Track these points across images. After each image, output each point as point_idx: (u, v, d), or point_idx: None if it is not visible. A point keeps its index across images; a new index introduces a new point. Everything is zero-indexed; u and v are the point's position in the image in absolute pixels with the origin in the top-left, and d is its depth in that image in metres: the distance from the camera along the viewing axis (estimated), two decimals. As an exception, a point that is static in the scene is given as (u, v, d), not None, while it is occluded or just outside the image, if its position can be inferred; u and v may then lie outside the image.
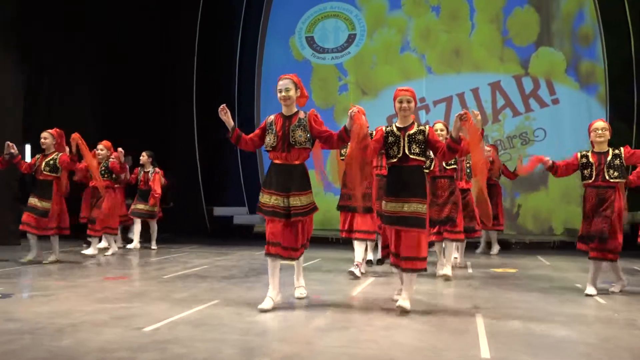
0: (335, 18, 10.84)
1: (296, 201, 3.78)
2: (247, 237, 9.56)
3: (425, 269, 3.77)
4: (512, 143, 9.93)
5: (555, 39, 9.94)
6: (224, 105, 3.94)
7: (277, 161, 3.85)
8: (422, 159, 3.84)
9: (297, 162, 3.82)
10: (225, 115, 3.94)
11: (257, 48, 11.00)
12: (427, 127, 3.86)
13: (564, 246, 8.34)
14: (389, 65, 10.35)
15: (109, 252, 6.89)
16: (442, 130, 5.10)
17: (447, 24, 10.30)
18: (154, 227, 7.73)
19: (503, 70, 10.04)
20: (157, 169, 7.60)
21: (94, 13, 9.33)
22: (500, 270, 5.97)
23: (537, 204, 9.79)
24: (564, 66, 9.83)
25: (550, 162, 4.54)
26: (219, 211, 10.41)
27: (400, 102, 3.88)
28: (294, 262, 4.09)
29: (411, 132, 3.82)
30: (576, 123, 9.63)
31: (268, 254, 3.80)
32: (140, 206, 7.55)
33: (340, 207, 5.47)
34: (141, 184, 7.63)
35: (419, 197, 3.76)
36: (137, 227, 7.64)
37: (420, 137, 3.81)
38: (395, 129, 3.89)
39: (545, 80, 9.87)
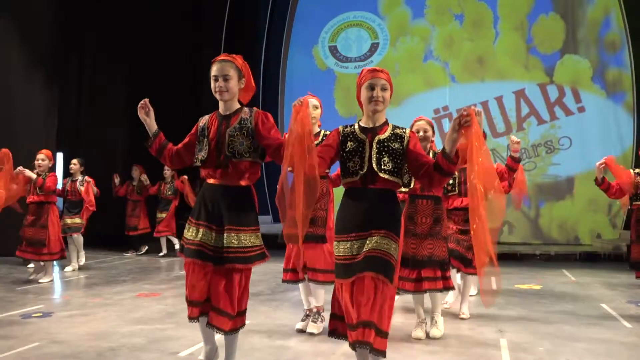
0: (358, 27, 10.91)
1: (232, 240, 2.60)
2: (272, 246, 9.67)
3: (384, 353, 2.40)
4: (537, 151, 9.87)
5: (581, 46, 9.84)
6: (147, 100, 2.83)
7: (210, 181, 2.70)
8: (396, 180, 2.51)
9: (239, 183, 2.67)
10: (147, 114, 2.83)
11: (280, 58, 11.15)
12: (406, 130, 2.56)
13: (589, 258, 8.31)
14: (412, 74, 10.37)
15: (46, 279, 5.97)
16: (425, 131, 3.62)
17: (471, 32, 10.27)
18: (79, 240, 7.02)
19: (528, 78, 9.97)
20: (87, 178, 6.94)
21: (121, 31, 9.63)
22: (525, 286, 5.98)
23: (562, 213, 9.71)
24: (590, 74, 9.72)
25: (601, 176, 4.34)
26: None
27: (371, 88, 2.53)
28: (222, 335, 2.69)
29: (383, 136, 2.52)
30: (603, 131, 9.57)
31: (191, 318, 2.67)
32: (69, 220, 6.88)
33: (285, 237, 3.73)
34: (69, 194, 6.97)
35: (387, 229, 2.44)
36: (73, 245, 7.01)
37: (396, 145, 2.51)
38: (358, 129, 2.57)
39: (571, 88, 9.78)
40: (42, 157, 6.02)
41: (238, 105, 2.77)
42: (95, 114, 9.67)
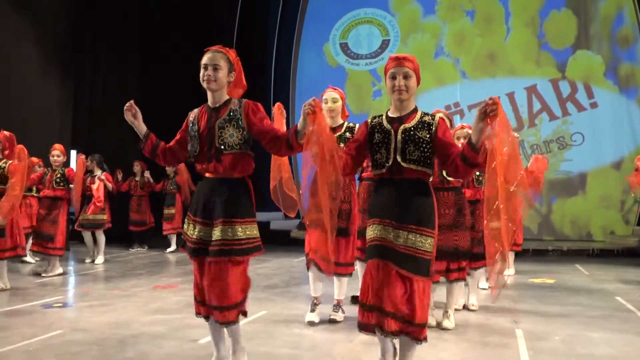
0: (369, 24, 10.95)
1: (227, 232, 2.55)
2: (284, 242, 9.75)
3: (425, 339, 2.48)
4: (549, 147, 9.85)
5: (593, 41, 9.81)
6: (132, 102, 2.75)
7: (206, 175, 2.71)
8: (425, 169, 2.46)
9: (234, 175, 2.64)
10: (134, 116, 2.75)
11: (291, 55, 11.21)
12: (436, 117, 2.49)
13: (603, 254, 8.27)
14: (422, 71, 10.02)
15: (51, 273, 5.93)
16: None
17: (482, 28, 10.27)
18: (100, 238, 7.11)
19: (539, 74, 9.96)
20: (102, 175, 6.96)
21: (133, 29, 9.74)
22: (538, 280, 5.99)
23: (575, 209, 9.68)
24: (603, 69, 9.69)
25: None
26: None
27: (393, 77, 2.49)
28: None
29: (409, 124, 2.47)
30: (615, 127, 9.54)
31: (200, 315, 2.76)
32: (90, 216, 6.92)
33: (306, 224, 3.52)
34: (89, 190, 6.93)
35: (423, 225, 2.41)
36: (87, 238, 7.14)
37: (424, 134, 2.45)
38: (385, 120, 2.54)
39: (583, 83, 9.75)
40: (57, 153, 6.15)
41: (227, 97, 2.72)
42: (108, 111, 9.73)
